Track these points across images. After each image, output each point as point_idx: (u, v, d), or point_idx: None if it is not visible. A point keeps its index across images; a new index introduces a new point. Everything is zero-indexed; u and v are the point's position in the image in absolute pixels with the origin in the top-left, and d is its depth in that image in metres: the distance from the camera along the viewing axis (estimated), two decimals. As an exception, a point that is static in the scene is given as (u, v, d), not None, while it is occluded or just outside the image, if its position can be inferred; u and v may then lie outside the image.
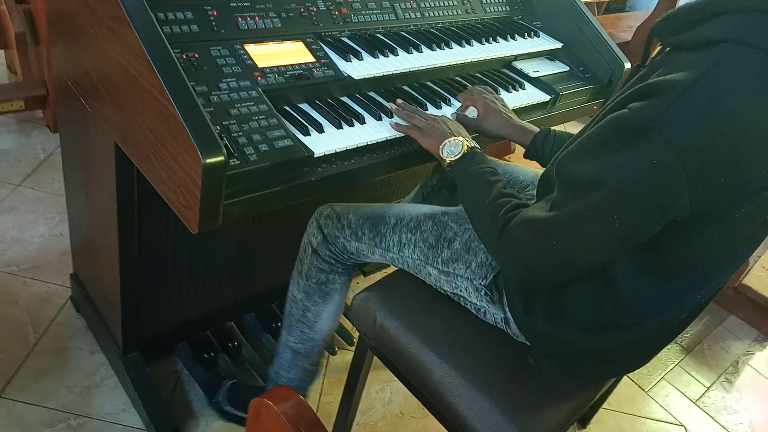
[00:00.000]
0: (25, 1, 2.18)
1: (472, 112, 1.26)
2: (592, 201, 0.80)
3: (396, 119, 1.16)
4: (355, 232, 1.21)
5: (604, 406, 1.57)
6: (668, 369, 2.06)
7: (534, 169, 1.36)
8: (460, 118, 1.24)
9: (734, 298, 2.36)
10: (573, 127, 1.26)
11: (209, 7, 1.07)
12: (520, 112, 1.38)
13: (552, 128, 1.23)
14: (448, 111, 1.28)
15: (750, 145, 0.75)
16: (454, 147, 1.07)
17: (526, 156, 1.24)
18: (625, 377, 1.38)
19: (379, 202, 1.78)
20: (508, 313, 1.05)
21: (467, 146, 1.06)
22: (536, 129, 1.23)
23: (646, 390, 1.95)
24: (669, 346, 2.14)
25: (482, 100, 1.25)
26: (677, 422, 1.87)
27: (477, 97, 1.26)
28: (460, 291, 1.11)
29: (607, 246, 0.84)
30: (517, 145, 1.27)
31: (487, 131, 1.24)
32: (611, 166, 0.78)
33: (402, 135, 1.15)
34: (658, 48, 0.90)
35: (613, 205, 0.79)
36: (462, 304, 1.13)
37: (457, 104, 1.30)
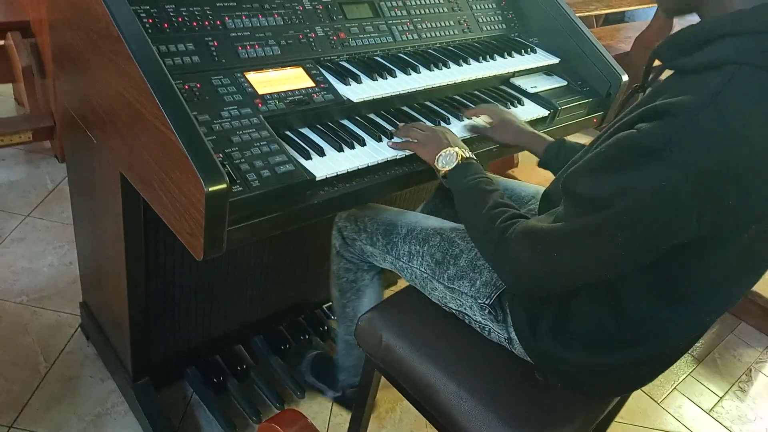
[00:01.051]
0: (31, 35, 2.23)
1: (484, 119, 1.29)
2: (597, 219, 0.80)
3: (394, 138, 1.18)
4: (370, 237, 1.25)
5: (617, 419, 1.56)
6: (680, 379, 2.04)
7: (535, 185, 1.37)
8: (475, 129, 1.28)
9: (744, 305, 2.35)
10: (579, 139, 1.28)
11: (210, 38, 1.10)
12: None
13: (564, 138, 1.25)
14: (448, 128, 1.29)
15: (759, 167, 0.75)
16: (448, 157, 1.09)
17: (540, 165, 1.26)
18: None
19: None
20: (512, 334, 1.05)
21: (462, 156, 1.08)
22: (550, 138, 1.25)
23: (659, 401, 1.94)
24: (680, 357, 2.13)
25: (495, 111, 1.28)
26: (691, 433, 1.85)
27: (488, 108, 1.30)
28: (465, 309, 1.11)
29: (607, 264, 0.84)
30: (521, 160, 1.29)
31: (502, 140, 1.27)
32: (619, 187, 0.78)
33: (402, 155, 1.16)
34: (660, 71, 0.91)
35: (620, 224, 0.79)
36: (467, 322, 1.13)
37: (456, 122, 1.32)
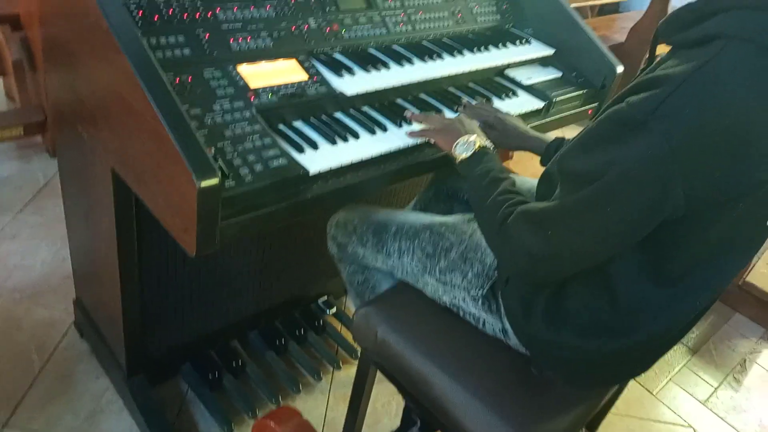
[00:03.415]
0: (21, 28, 2.20)
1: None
2: (589, 192, 0.82)
3: (410, 127, 1.20)
4: (360, 238, 1.25)
5: (612, 410, 1.56)
6: (675, 370, 2.05)
7: (534, 179, 1.36)
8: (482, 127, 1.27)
9: (739, 296, 2.35)
10: (574, 130, 1.27)
11: (201, 30, 1.08)
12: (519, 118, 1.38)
13: (564, 137, 1.25)
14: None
15: (745, 140, 0.75)
16: (467, 145, 1.09)
17: (542, 164, 1.26)
18: (632, 380, 1.38)
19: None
20: (506, 324, 1.05)
21: (479, 144, 1.08)
22: (550, 138, 1.26)
23: (654, 393, 1.94)
24: (675, 347, 2.12)
25: (497, 118, 1.27)
26: (686, 424, 1.86)
27: (490, 110, 1.29)
28: (458, 301, 1.11)
29: (603, 240, 0.85)
30: (516, 153, 1.29)
31: (507, 146, 1.28)
32: (608, 159, 0.79)
33: (396, 149, 1.15)
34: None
35: (609, 196, 0.80)
36: (461, 315, 1.13)
37: (450, 114, 1.31)
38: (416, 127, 1.20)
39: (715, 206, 0.81)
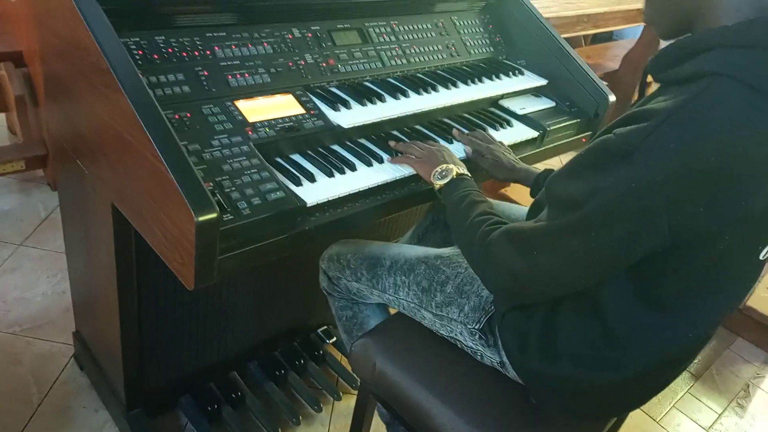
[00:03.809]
0: (24, 65, 2.24)
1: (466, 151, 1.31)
2: (572, 219, 0.82)
3: (391, 157, 1.21)
4: (354, 273, 1.25)
5: (615, 438, 1.55)
6: (678, 397, 2.03)
7: (524, 207, 1.37)
8: (475, 155, 1.30)
9: (740, 320, 2.35)
10: (568, 158, 1.29)
11: (200, 68, 1.11)
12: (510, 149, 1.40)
13: (552, 169, 1.27)
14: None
15: (728, 175, 0.76)
16: (444, 173, 1.12)
17: (532, 195, 1.27)
18: (634, 408, 1.38)
19: (379, 239, 1.80)
20: (504, 357, 1.05)
21: (456, 172, 1.11)
22: (538, 170, 1.28)
23: (657, 420, 1.93)
24: (677, 373, 2.12)
25: (488, 150, 1.30)
26: (691, 451, 1.84)
27: (482, 142, 1.32)
28: (456, 334, 1.12)
29: (585, 267, 0.85)
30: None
31: (497, 177, 1.30)
32: (591, 187, 0.80)
33: (393, 179, 1.17)
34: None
35: (591, 224, 0.81)
36: (459, 346, 1.13)
37: (445, 145, 1.32)
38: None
39: (702, 238, 0.81)
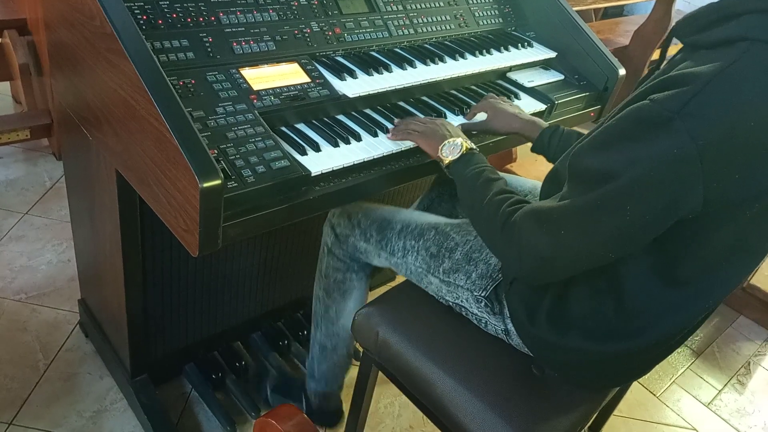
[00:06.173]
0: (28, 33, 2.23)
1: (481, 117, 1.30)
2: (607, 192, 0.80)
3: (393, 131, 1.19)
4: (364, 233, 1.24)
5: (615, 412, 1.56)
6: (679, 373, 2.04)
7: (533, 180, 1.37)
8: (468, 125, 1.28)
9: (743, 298, 2.35)
10: (580, 128, 1.27)
11: (204, 34, 1.10)
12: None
13: (560, 126, 1.25)
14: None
15: (764, 142, 0.75)
16: (453, 147, 1.09)
17: (533, 150, 1.26)
18: (635, 383, 1.38)
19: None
20: (509, 325, 1.05)
21: (466, 147, 1.08)
22: (546, 124, 1.25)
23: (657, 395, 1.94)
24: (679, 350, 2.13)
25: (488, 103, 1.29)
26: (690, 426, 1.86)
27: (483, 103, 1.30)
28: (461, 301, 1.12)
29: (615, 241, 0.83)
30: (519, 155, 1.29)
31: (497, 129, 1.28)
32: (630, 158, 0.77)
33: (398, 150, 1.16)
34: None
35: (628, 196, 0.78)
36: (464, 314, 1.13)
37: (452, 116, 1.32)
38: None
39: (730, 207, 0.81)
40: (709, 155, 0.74)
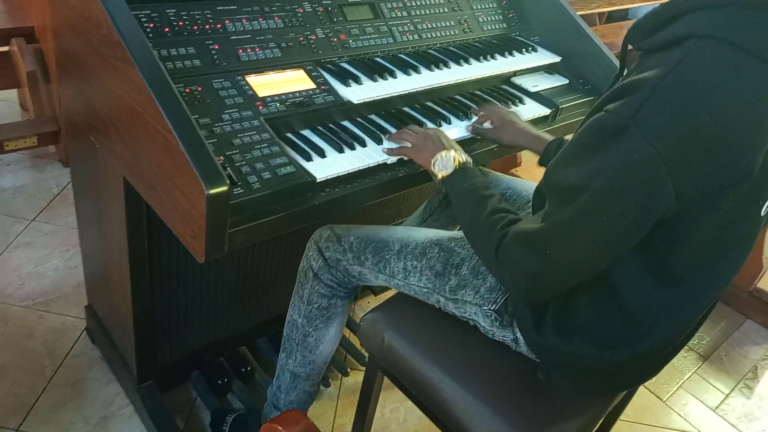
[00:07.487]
0: (35, 41, 2.24)
1: (487, 125, 1.30)
2: (581, 205, 0.81)
3: (386, 144, 1.17)
4: (357, 257, 1.20)
5: (622, 417, 1.55)
6: (686, 377, 2.03)
7: (536, 183, 1.36)
8: (476, 130, 1.28)
9: (749, 302, 2.34)
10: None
11: (210, 42, 1.10)
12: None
13: (565, 137, 1.25)
14: (447, 128, 1.29)
15: (725, 134, 0.76)
16: (445, 161, 1.07)
17: (540, 164, 1.26)
18: (642, 387, 1.38)
19: (384, 222, 1.79)
20: (518, 334, 1.05)
21: (459, 161, 1.07)
22: (551, 137, 1.26)
23: (664, 399, 1.93)
24: (685, 354, 2.12)
25: (496, 113, 1.29)
26: (697, 431, 1.85)
27: (491, 111, 1.30)
28: (469, 315, 1.10)
29: (600, 250, 0.84)
30: (524, 159, 1.29)
31: (502, 142, 1.28)
32: (594, 169, 0.79)
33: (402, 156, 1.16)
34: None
35: (601, 206, 0.80)
36: (470, 324, 1.13)
37: (456, 122, 1.32)
38: (393, 144, 1.17)
39: (707, 199, 0.81)
40: (670, 155, 0.75)
